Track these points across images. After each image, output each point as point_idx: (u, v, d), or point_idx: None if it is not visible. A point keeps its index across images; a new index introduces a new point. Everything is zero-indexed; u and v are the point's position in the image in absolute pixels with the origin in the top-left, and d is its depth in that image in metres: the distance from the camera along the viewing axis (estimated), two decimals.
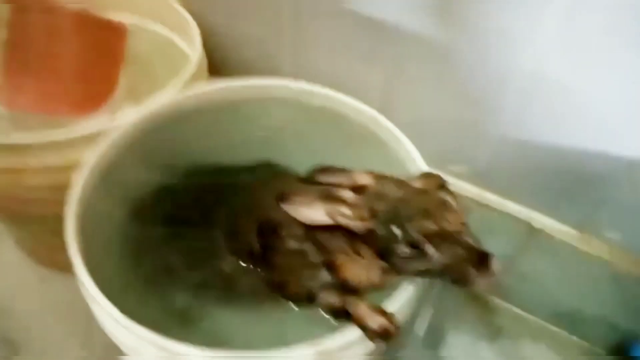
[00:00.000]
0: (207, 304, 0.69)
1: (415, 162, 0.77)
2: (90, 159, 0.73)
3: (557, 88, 0.73)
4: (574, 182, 0.82)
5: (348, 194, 0.56)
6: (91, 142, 0.75)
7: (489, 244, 0.97)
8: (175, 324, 0.70)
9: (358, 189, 0.57)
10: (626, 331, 0.93)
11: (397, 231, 0.53)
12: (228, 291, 0.67)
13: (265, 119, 0.86)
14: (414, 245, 0.52)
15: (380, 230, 0.54)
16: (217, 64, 1.07)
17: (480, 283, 0.52)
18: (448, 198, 0.54)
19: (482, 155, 0.89)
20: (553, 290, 0.97)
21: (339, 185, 0.58)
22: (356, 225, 0.55)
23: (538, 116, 0.78)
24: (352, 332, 0.56)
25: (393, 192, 0.55)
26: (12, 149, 0.75)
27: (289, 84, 0.85)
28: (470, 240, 0.52)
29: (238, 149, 0.84)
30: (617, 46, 0.66)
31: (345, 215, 0.55)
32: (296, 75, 0.98)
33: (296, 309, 0.64)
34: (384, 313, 0.56)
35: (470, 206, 0.80)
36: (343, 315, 0.58)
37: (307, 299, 0.61)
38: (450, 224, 0.52)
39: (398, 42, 0.83)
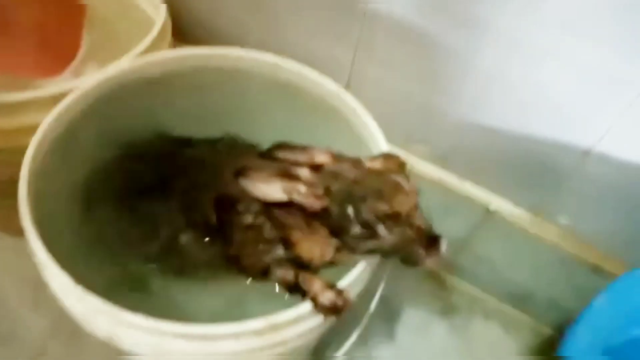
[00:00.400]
0: (163, 274, 0.69)
1: (377, 141, 0.77)
2: (46, 123, 0.71)
3: (518, 78, 0.75)
4: (530, 168, 0.84)
5: (305, 172, 0.56)
6: (48, 105, 0.73)
7: (446, 224, 0.99)
8: (130, 292, 0.70)
9: (315, 167, 0.57)
10: (571, 311, 0.97)
11: (350, 211, 0.54)
12: (184, 263, 0.67)
13: (229, 90, 0.86)
14: (366, 225, 0.54)
15: (335, 209, 0.55)
16: (183, 30, 1.05)
17: (429, 263, 0.54)
18: (402, 180, 0.55)
19: (444, 138, 0.90)
20: (505, 270, 1.00)
21: (297, 163, 0.58)
22: (311, 203, 0.55)
23: (498, 103, 0.79)
24: (304, 307, 0.57)
25: (349, 172, 0.56)
26: None
27: (255, 55, 0.84)
28: (420, 222, 0.54)
29: (200, 120, 0.83)
30: (575, 40, 0.67)
31: (301, 193, 0.55)
32: (263, 47, 0.97)
33: (250, 282, 0.65)
34: (335, 289, 0.57)
35: (424, 188, 0.82)
36: (296, 290, 0.60)
37: (262, 273, 0.62)
38: (403, 205, 0.53)
39: (370, 22, 0.83)
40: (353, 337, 0.77)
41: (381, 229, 0.53)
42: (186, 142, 0.76)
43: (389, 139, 0.95)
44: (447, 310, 1.04)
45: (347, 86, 0.91)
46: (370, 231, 0.54)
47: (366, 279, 0.64)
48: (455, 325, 1.02)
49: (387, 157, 0.72)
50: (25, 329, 0.91)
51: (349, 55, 0.88)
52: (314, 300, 0.56)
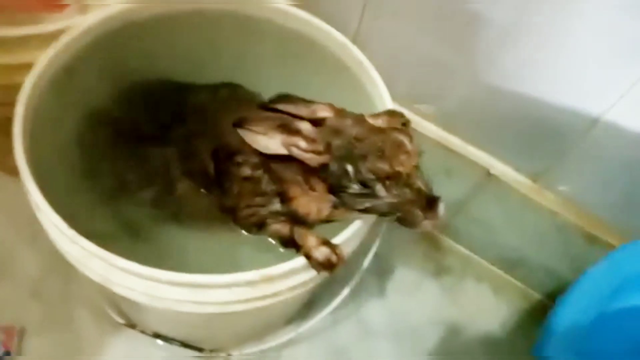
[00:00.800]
0: (158, 221, 0.69)
1: (382, 97, 0.75)
2: (42, 60, 0.69)
3: (534, 36, 0.72)
4: (535, 134, 0.83)
5: (305, 126, 0.55)
6: (48, 42, 0.71)
7: (446, 186, 1.00)
8: (125, 236, 0.70)
9: (317, 122, 0.56)
10: (564, 279, 0.98)
11: (350, 168, 0.53)
12: (179, 211, 0.67)
13: (235, 36, 0.83)
14: (365, 184, 0.53)
15: (334, 166, 0.54)
16: None
17: (426, 225, 0.53)
18: (404, 139, 0.54)
19: (450, 98, 0.88)
20: (501, 235, 1.01)
21: (298, 116, 0.56)
22: (310, 158, 0.54)
23: (510, 63, 0.77)
24: (297, 261, 0.57)
25: (350, 128, 0.55)
26: None
27: (264, 1, 0.81)
28: (420, 184, 0.53)
29: (203, 65, 0.81)
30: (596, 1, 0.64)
31: (301, 148, 0.54)
32: None
33: (245, 234, 0.64)
34: (329, 245, 0.57)
35: (426, 148, 0.81)
36: (290, 244, 0.59)
37: (257, 226, 0.62)
38: (403, 166, 0.52)
39: None
40: (345, 293, 0.77)
41: (380, 189, 0.52)
42: (187, 88, 0.74)
43: (395, 96, 0.92)
44: (440, 271, 1.05)
45: (355, 39, 0.88)
46: (368, 190, 0.53)
47: (361, 236, 0.64)
48: (446, 287, 1.03)
49: (391, 113, 0.70)
50: (22, 265, 0.92)
51: (359, 4, 0.85)
52: (308, 255, 0.56)
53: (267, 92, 0.81)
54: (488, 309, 1.03)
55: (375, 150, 0.52)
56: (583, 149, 0.80)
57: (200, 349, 0.83)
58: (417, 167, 0.53)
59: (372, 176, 0.52)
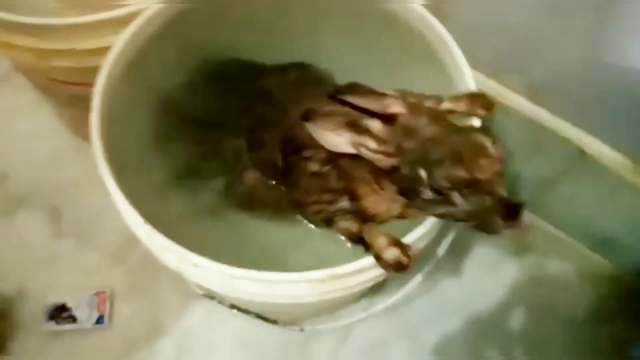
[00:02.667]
0: (230, 208, 0.69)
1: (463, 75, 0.69)
2: (117, 44, 0.70)
3: None
4: (638, 110, 0.73)
5: (376, 125, 0.51)
6: (120, 26, 0.71)
7: (535, 161, 0.92)
8: (200, 218, 0.72)
9: (389, 118, 0.52)
10: None
11: (423, 174, 0.49)
12: (250, 200, 0.66)
13: (307, 7, 0.79)
14: (439, 191, 0.49)
15: (406, 170, 0.50)
16: None
17: (506, 234, 0.49)
18: (486, 141, 0.49)
19: (542, 68, 0.79)
20: (592, 214, 0.93)
21: (369, 111, 0.53)
22: (380, 160, 0.51)
23: (613, 33, 0.67)
24: (366, 260, 0.56)
25: (425, 127, 0.50)
26: (40, 29, 0.72)
27: None
28: (502, 191, 0.48)
29: (274, 38, 0.78)
30: None
31: (370, 149, 0.51)
32: None
33: (313, 227, 0.64)
34: (400, 245, 0.55)
35: (514, 123, 0.72)
36: (360, 242, 0.58)
37: (325, 222, 0.60)
38: (484, 172, 0.47)
39: None
40: (417, 280, 0.75)
41: (456, 197, 0.48)
42: (257, 70, 0.72)
43: (479, 65, 0.85)
44: (521, 249, 1.00)
45: (436, 5, 0.81)
46: (443, 197, 0.49)
47: (434, 233, 0.61)
48: (527, 266, 0.98)
49: (473, 96, 0.65)
50: (108, 232, 0.97)
51: None
52: (378, 255, 0.54)
53: (339, 68, 0.78)
54: (571, 291, 0.97)
55: (452, 154, 0.48)
56: None
57: (274, 322, 0.86)
58: (500, 173, 0.48)
59: (447, 184, 0.48)
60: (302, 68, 0.72)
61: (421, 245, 0.60)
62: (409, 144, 0.50)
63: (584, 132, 0.82)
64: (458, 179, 0.47)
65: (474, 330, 0.92)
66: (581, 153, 0.83)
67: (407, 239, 0.57)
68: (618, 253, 0.96)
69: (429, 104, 0.63)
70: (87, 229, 0.98)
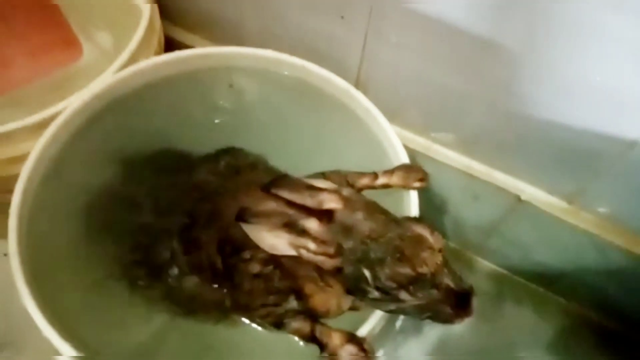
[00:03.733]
0: (172, 315, 0.65)
1: (393, 145, 0.70)
2: (35, 151, 0.66)
3: (557, 61, 0.64)
4: (567, 156, 0.75)
5: (313, 225, 0.50)
6: (39, 130, 0.67)
7: (475, 209, 0.93)
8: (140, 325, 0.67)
9: (325, 213, 0.51)
10: (608, 294, 0.92)
11: (367, 273, 0.48)
12: (193, 306, 0.63)
13: (228, 92, 0.77)
14: (385, 291, 0.47)
15: (349, 270, 0.49)
16: (172, 15, 0.95)
17: (458, 322, 0.48)
18: (424, 232, 0.48)
19: (469, 125, 0.81)
20: (538, 255, 0.95)
21: (304, 208, 0.51)
22: (322, 261, 0.49)
23: (534, 88, 0.69)
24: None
25: (362, 224, 0.49)
26: None
27: (255, 52, 0.75)
28: (447, 281, 0.47)
29: (199, 130, 0.76)
30: (625, 18, 0.56)
31: (310, 250, 0.49)
32: (261, 34, 0.87)
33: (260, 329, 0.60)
34: (355, 340, 0.53)
35: (449, 177, 0.72)
36: (313, 341, 0.55)
37: (275, 325, 0.57)
38: (427, 265, 0.46)
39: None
40: (380, 354, 0.73)
41: (403, 295, 0.47)
42: (187, 162, 0.70)
43: (410, 126, 0.86)
44: (477, 295, 0.99)
45: (359, 75, 0.81)
46: (391, 296, 0.48)
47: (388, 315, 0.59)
48: (484, 311, 0.98)
49: (406, 169, 0.65)
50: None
51: (358, 39, 0.78)
52: (334, 355, 0.52)
53: (271, 148, 0.76)
54: (529, 329, 0.98)
55: (393, 251, 0.47)
56: (621, 170, 0.72)
57: None
58: (443, 263, 0.48)
59: (393, 284, 0.46)
60: (232, 154, 0.70)
61: (377, 330, 0.58)
62: (348, 244, 0.49)
63: (517, 179, 0.84)
64: (403, 277, 0.46)
65: None
66: (518, 199, 0.84)
67: (363, 331, 0.55)
68: (567, 287, 0.98)
69: (365, 181, 0.63)
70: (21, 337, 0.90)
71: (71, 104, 0.68)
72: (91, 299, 0.66)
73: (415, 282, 0.46)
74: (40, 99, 0.76)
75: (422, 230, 0.48)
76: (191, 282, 0.61)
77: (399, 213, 0.54)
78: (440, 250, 0.48)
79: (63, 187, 0.69)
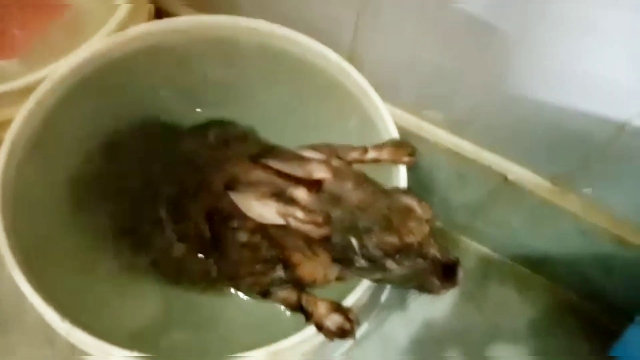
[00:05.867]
0: (159, 283, 0.65)
1: (384, 120, 0.70)
2: (19, 116, 0.65)
3: (550, 46, 0.64)
4: (556, 138, 0.76)
5: (302, 194, 0.50)
6: (21, 98, 0.66)
7: (461, 191, 0.94)
8: (127, 294, 0.67)
9: (314, 184, 0.51)
10: (591, 277, 0.94)
11: (354, 242, 0.48)
12: (179, 274, 0.63)
13: (219, 63, 0.76)
14: (372, 259, 0.48)
15: (337, 239, 0.49)
16: None
17: (444, 292, 0.49)
18: (413, 203, 0.48)
19: (460, 104, 0.81)
20: (523, 236, 0.96)
21: (293, 177, 0.51)
22: (310, 230, 0.49)
23: (525, 72, 0.69)
24: (308, 331, 0.53)
25: (351, 193, 0.49)
26: None
27: (246, 22, 0.73)
28: (434, 251, 0.47)
29: (189, 101, 0.75)
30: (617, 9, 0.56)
31: (299, 219, 0.49)
32: (253, 6, 0.85)
33: (246, 298, 0.61)
34: (341, 310, 0.53)
35: (437, 156, 0.71)
36: (299, 310, 0.55)
37: (262, 294, 0.58)
38: (414, 235, 0.47)
39: None
40: (365, 327, 0.74)
41: (390, 263, 0.47)
42: (175, 132, 0.69)
43: (401, 104, 0.86)
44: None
45: (352, 51, 0.81)
46: (377, 264, 0.48)
47: (374, 286, 0.60)
48: (469, 292, 0.99)
49: (395, 144, 0.66)
50: None
51: (352, 13, 0.77)
52: (319, 324, 0.53)
53: (261, 122, 0.76)
54: (512, 310, 0.99)
55: (381, 220, 0.47)
56: (609, 153, 0.73)
57: None
58: (430, 234, 0.48)
59: (379, 252, 0.47)
60: (222, 126, 0.70)
61: (363, 301, 0.58)
62: (337, 213, 0.49)
63: (505, 159, 0.84)
64: (390, 246, 0.46)
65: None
66: (504, 179, 0.85)
67: (349, 301, 0.55)
68: (551, 269, 0.99)
69: (354, 154, 0.63)
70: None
71: (58, 69, 0.66)
72: (80, 276, 0.65)
73: (401, 251, 0.47)
74: None
75: (410, 201, 0.49)
76: (179, 250, 0.61)
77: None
78: (427, 221, 0.48)
79: (49, 156, 0.68)
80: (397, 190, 0.51)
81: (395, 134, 0.67)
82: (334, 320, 0.52)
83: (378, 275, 0.49)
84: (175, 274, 0.63)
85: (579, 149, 0.75)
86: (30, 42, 0.83)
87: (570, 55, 0.64)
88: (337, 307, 0.53)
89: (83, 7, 0.87)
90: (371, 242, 0.47)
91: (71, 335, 0.52)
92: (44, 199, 0.66)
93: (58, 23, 0.85)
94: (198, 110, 0.74)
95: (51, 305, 0.52)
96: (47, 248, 0.62)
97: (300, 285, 0.56)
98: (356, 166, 0.60)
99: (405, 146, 0.63)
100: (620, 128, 0.68)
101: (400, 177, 0.63)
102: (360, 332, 0.74)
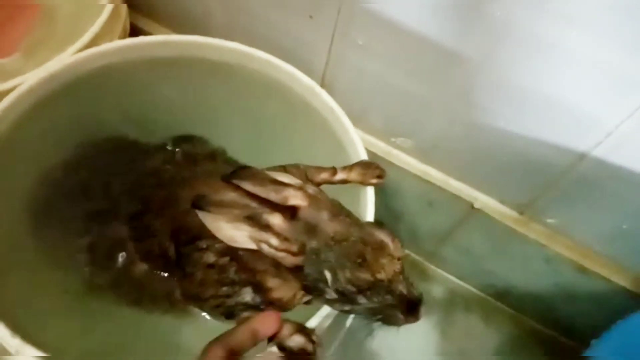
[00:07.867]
0: (118, 304, 0.63)
1: (353, 143, 0.70)
2: None
3: (512, 72, 0.66)
4: (520, 167, 0.78)
5: (277, 221, 0.49)
6: None
7: (429, 216, 0.95)
8: (86, 314, 0.64)
9: (289, 209, 0.50)
10: (555, 307, 0.95)
11: (328, 276, 0.47)
12: (139, 295, 0.61)
13: (191, 83, 0.76)
14: (343, 294, 0.48)
15: (309, 269, 0.48)
16: (139, 5, 0.93)
17: (405, 325, 0.49)
18: (386, 239, 0.49)
19: (427, 131, 0.82)
20: (489, 264, 0.97)
21: (266, 202, 0.50)
22: (283, 257, 0.49)
23: (488, 98, 0.71)
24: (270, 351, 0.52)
25: (327, 224, 0.49)
26: None
27: (219, 43, 0.74)
28: (402, 288, 0.48)
29: (159, 119, 0.74)
30: (579, 34, 0.58)
31: (272, 246, 0.48)
32: (228, 28, 0.86)
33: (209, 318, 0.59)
34: (304, 331, 0.52)
35: (406, 182, 0.71)
36: None
37: (225, 316, 0.56)
38: (385, 272, 0.47)
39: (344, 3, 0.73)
40: (330, 349, 0.72)
41: (360, 298, 0.48)
42: (141, 148, 0.68)
43: (371, 130, 0.87)
44: (428, 303, 1.01)
45: (324, 76, 0.82)
46: (348, 298, 0.48)
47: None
48: (435, 320, 0.99)
49: (365, 165, 0.66)
50: None
51: (325, 39, 0.78)
52: (281, 345, 0.51)
53: (231, 143, 0.75)
54: (478, 337, 1.00)
55: (355, 255, 0.47)
56: (570, 182, 0.75)
57: None
58: (400, 271, 0.48)
59: (352, 288, 0.47)
60: (191, 141, 0.69)
61: (327, 324, 0.57)
62: (312, 243, 0.48)
63: (471, 187, 0.86)
64: (362, 282, 0.47)
65: None
66: (471, 207, 0.86)
67: (312, 322, 0.54)
68: (516, 297, 1.00)
69: (324, 175, 0.63)
70: None
71: (25, 82, 0.65)
72: (36, 294, 0.62)
73: (372, 288, 0.47)
74: None
75: (384, 237, 0.49)
76: (139, 270, 0.59)
77: (355, 209, 0.55)
78: (399, 259, 0.48)
79: (9, 169, 0.66)
80: (372, 224, 0.51)
81: (364, 157, 0.67)
82: (296, 342, 0.51)
83: (346, 307, 0.49)
84: (136, 294, 0.60)
85: (541, 177, 0.77)
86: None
87: (532, 83, 0.66)
88: (301, 329, 0.52)
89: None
90: (344, 277, 0.47)
91: (21, 353, 0.49)
92: (2, 213, 0.63)
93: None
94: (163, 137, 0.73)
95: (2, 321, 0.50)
96: (1, 265, 0.59)
97: (268, 306, 0.54)
98: (324, 187, 0.60)
99: (373, 168, 0.64)
100: (581, 157, 0.70)
101: (368, 198, 0.63)
102: (323, 355, 0.74)
